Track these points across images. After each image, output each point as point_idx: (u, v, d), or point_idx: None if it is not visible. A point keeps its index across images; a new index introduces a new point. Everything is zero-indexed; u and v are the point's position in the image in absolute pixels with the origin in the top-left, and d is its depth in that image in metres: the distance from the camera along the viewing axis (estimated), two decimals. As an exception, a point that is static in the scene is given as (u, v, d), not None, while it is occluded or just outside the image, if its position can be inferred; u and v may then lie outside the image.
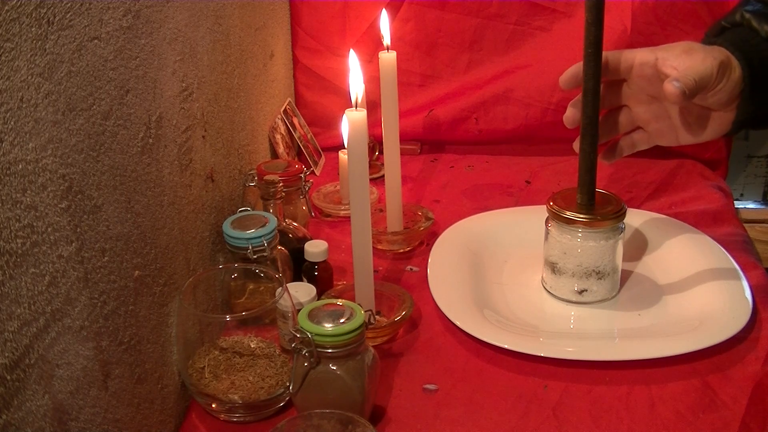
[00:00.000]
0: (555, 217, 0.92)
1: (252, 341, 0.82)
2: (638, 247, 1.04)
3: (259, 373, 0.79)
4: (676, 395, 0.80)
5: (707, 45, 0.87)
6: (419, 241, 1.09)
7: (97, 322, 0.62)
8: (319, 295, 0.90)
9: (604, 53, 0.85)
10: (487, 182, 1.27)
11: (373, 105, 1.21)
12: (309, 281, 0.92)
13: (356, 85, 0.86)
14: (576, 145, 0.89)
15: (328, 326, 0.72)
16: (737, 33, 0.89)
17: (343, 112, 0.84)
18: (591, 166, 0.90)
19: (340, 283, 0.96)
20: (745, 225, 1.15)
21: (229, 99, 0.98)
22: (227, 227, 0.86)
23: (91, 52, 0.61)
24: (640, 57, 0.87)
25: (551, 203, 0.93)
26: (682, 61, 0.83)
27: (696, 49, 0.84)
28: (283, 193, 0.99)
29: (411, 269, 1.04)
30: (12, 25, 0.50)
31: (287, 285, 0.81)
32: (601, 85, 0.87)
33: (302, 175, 1.03)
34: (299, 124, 1.28)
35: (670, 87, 0.80)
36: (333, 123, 1.35)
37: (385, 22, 1.06)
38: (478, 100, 1.33)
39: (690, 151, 1.29)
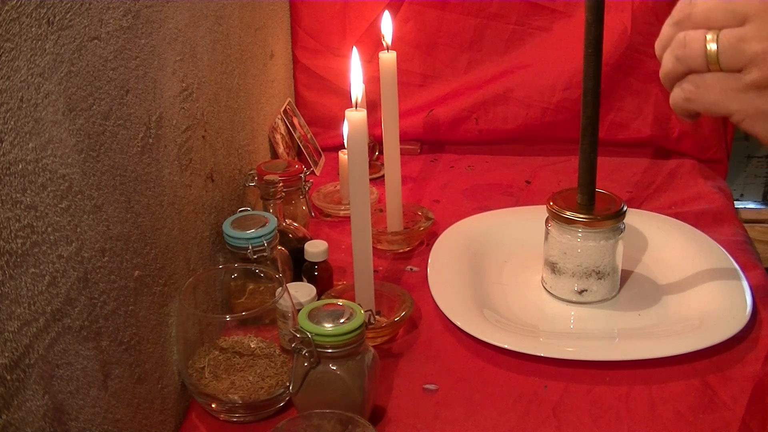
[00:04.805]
0: (555, 217, 0.92)
1: (252, 341, 0.82)
2: (638, 247, 1.04)
3: (259, 373, 0.79)
4: (676, 395, 0.80)
5: None
6: (419, 241, 1.09)
7: (97, 322, 0.62)
8: (319, 295, 0.90)
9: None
10: (487, 182, 1.27)
11: (373, 105, 1.21)
12: (309, 281, 0.92)
13: (357, 84, 0.86)
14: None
15: (328, 326, 0.72)
16: None
17: (343, 112, 0.84)
18: (591, 166, 0.90)
19: (340, 283, 0.96)
20: (745, 225, 1.15)
21: (229, 99, 0.98)
22: (227, 227, 0.86)
23: (91, 52, 0.61)
24: None
25: (551, 203, 0.93)
26: None
27: None
28: (283, 193, 0.99)
29: (411, 269, 1.04)
30: (12, 25, 0.50)
31: (287, 285, 0.81)
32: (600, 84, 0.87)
33: (302, 175, 1.03)
34: (299, 124, 1.28)
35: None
36: (333, 123, 1.35)
37: (386, 22, 1.06)
38: (478, 100, 1.33)
39: (690, 151, 1.29)
